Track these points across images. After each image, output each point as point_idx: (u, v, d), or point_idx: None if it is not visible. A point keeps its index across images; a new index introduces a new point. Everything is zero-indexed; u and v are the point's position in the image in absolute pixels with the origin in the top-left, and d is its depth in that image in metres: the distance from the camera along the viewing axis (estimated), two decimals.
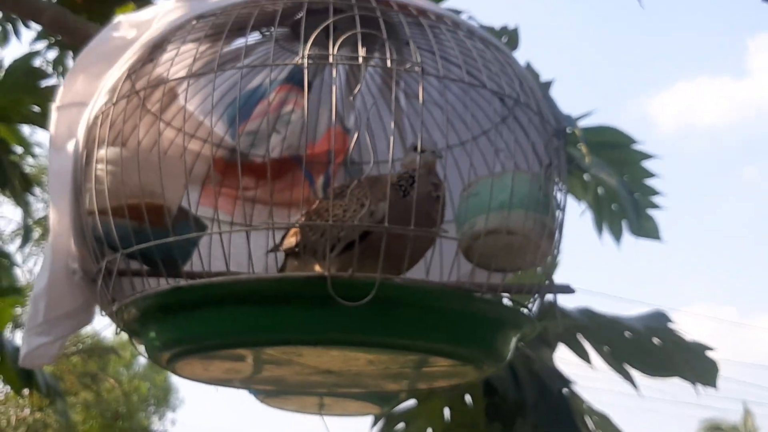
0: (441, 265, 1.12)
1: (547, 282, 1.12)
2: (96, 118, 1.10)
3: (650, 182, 2.31)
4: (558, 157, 1.14)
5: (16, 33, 3.04)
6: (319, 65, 1.39)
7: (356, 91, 1.07)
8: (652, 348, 1.99)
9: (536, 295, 1.12)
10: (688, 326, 2.00)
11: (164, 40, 1.12)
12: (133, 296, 1.03)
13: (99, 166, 1.08)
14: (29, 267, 9.18)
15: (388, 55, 0.98)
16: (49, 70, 2.74)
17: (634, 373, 2.00)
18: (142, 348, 1.13)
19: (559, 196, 1.14)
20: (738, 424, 17.09)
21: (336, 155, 1.49)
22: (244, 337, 0.98)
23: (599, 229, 2.35)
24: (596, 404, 2.02)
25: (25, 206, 2.96)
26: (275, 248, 1.14)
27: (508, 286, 1.08)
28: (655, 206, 2.31)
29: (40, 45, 2.78)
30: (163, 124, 1.29)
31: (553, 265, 1.14)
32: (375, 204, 1.04)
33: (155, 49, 1.14)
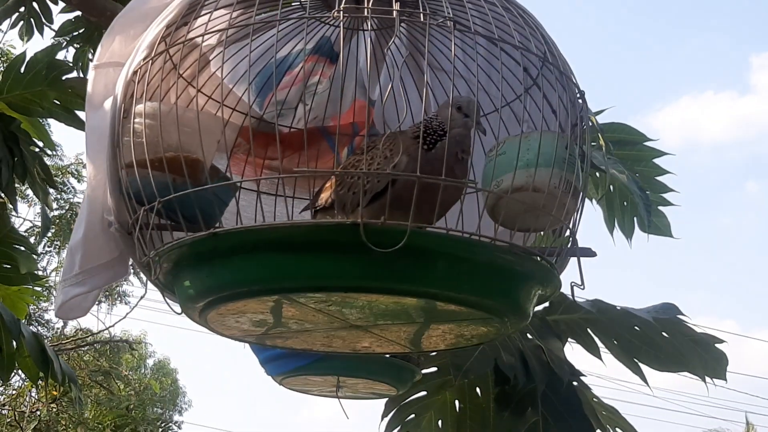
0: (463, 221, 1.14)
1: (570, 244, 1.15)
2: (134, 74, 1.14)
3: (662, 179, 2.33)
4: (582, 119, 1.16)
5: (39, 28, 3.08)
6: (346, 34, 1.43)
7: (390, 44, 1.10)
8: (661, 342, 2.00)
9: (557, 253, 1.14)
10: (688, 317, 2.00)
11: (199, 2, 1.14)
12: (170, 244, 1.06)
13: (137, 119, 1.11)
14: (43, 265, 9.23)
15: (421, 8, 1.01)
16: (70, 64, 2.77)
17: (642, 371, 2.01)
18: (175, 305, 1.16)
19: (582, 156, 1.17)
20: None
21: (360, 128, 1.52)
22: (277, 283, 1.01)
23: (611, 227, 2.37)
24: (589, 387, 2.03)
25: (44, 197, 2.99)
26: (309, 206, 1.17)
27: (531, 247, 1.11)
28: (666, 203, 2.33)
29: (63, 39, 2.81)
30: (193, 90, 1.32)
31: (577, 224, 1.16)
32: (398, 155, 1.07)
33: (190, 10, 1.17)
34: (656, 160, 2.35)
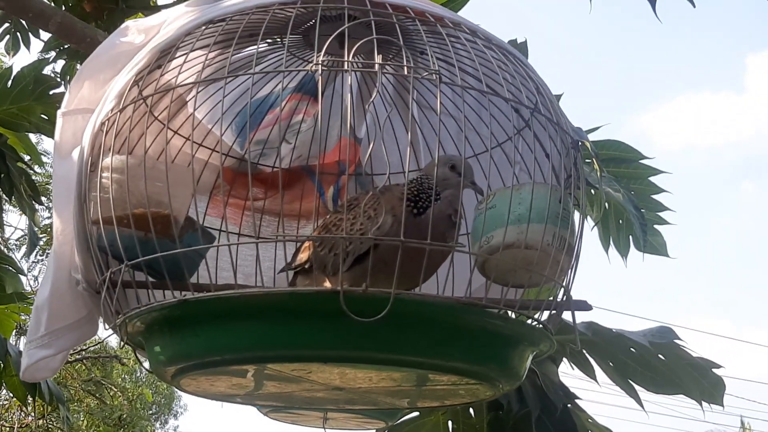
0: (453, 280, 1.08)
1: (564, 298, 1.09)
2: (102, 124, 1.07)
3: (658, 197, 2.28)
4: (577, 170, 1.10)
5: (26, 42, 3.03)
6: (331, 73, 1.37)
7: (372, 98, 1.03)
8: (657, 364, 1.95)
9: (553, 312, 1.08)
10: (685, 341, 1.96)
11: (173, 45, 1.08)
12: (138, 309, 0.99)
13: (104, 174, 1.05)
14: (34, 274, 9.17)
15: (404, 61, 0.95)
16: (58, 79, 2.72)
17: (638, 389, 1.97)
18: (146, 361, 1.10)
19: (577, 210, 1.11)
20: None
21: (346, 166, 1.46)
22: (252, 353, 0.95)
23: (606, 245, 2.32)
24: (594, 417, 1.98)
25: (31, 214, 2.93)
26: (287, 267, 1.10)
27: (525, 302, 1.05)
28: (662, 222, 2.29)
29: (50, 53, 2.76)
30: (170, 132, 1.26)
31: (571, 281, 1.10)
32: (381, 215, 1.00)
33: (163, 54, 1.11)
34: (652, 179, 2.31)
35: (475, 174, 1.28)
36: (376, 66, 0.93)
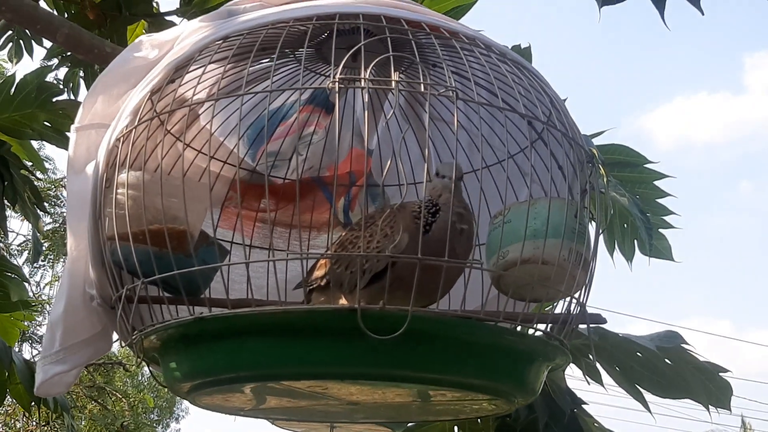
0: (465, 295, 1.08)
1: (579, 312, 1.08)
2: (117, 140, 1.07)
3: (663, 201, 2.28)
4: (592, 185, 1.10)
5: (29, 50, 3.03)
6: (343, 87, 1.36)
7: (388, 118, 1.02)
8: (664, 368, 1.94)
9: (569, 325, 1.08)
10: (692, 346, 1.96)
11: (188, 61, 1.08)
12: (153, 326, 0.99)
13: (119, 190, 1.05)
14: (36, 280, 9.16)
15: (421, 78, 0.95)
16: (60, 86, 2.72)
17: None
18: (160, 376, 1.10)
19: (592, 224, 1.11)
20: None
21: (357, 177, 1.46)
22: (269, 370, 0.95)
23: (611, 249, 2.32)
24: (600, 420, 1.98)
25: (35, 221, 2.93)
26: (303, 283, 1.10)
27: (542, 316, 1.04)
28: (667, 226, 2.28)
29: (53, 60, 2.76)
30: (182, 145, 1.26)
31: (587, 296, 1.10)
32: (398, 234, 1.00)
33: (178, 70, 1.11)
34: (657, 182, 2.31)
35: (486, 188, 1.28)
36: (393, 84, 0.93)
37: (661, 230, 2.29)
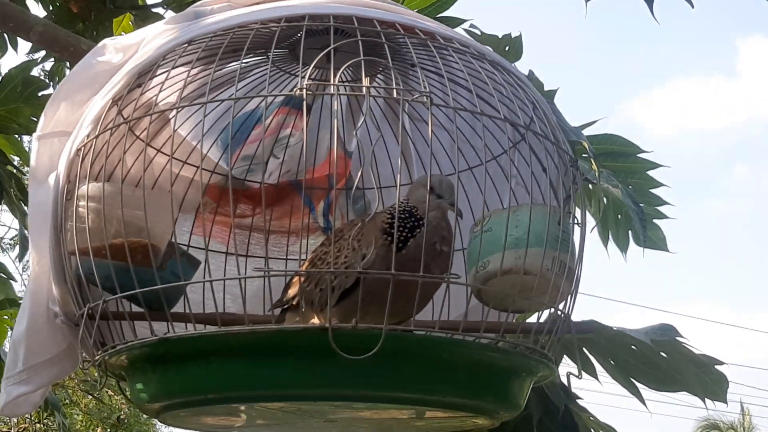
0: (443, 310, 1.03)
1: (564, 322, 1.04)
2: (78, 150, 1.02)
3: (656, 191, 2.24)
4: (575, 189, 1.06)
5: (13, 44, 2.97)
6: (319, 86, 1.31)
7: (359, 124, 0.96)
8: (659, 362, 1.91)
9: (554, 335, 1.03)
10: (683, 329, 1.93)
11: (151, 66, 1.03)
12: (117, 347, 0.95)
13: (81, 203, 1.00)
14: (29, 274, 9.08)
15: (394, 83, 0.90)
16: (47, 80, 2.67)
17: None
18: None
19: (577, 228, 1.06)
20: (735, 423, 16.97)
21: (337, 180, 1.41)
22: (238, 392, 0.90)
23: (605, 240, 2.28)
24: (587, 403, 1.95)
25: (21, 218, 2.89)
26: (277, 304, 1.05)
27: (525, 327, 1.00)
28: (661, 216, 2.24)
29: (38, 54, 2.71)
30: (152, 151, 1.21)
31: (572, 305, 1.05)
32: (367, 247, 0.95)
33: (142, 75, 1.06)
34: (650, 172, 2.26)
35: (469, 189, 1.23)
36: (364, 90, 0.88)
37: (655, 220, 2.26)
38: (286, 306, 1.05)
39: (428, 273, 0.89)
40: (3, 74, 2.37)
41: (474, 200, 1.21)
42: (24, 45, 2.97)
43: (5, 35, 3.00)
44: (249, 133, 1.36)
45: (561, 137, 1.06)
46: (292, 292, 1.03)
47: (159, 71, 1.08)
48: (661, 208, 2.27)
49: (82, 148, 1.02)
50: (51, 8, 2.50)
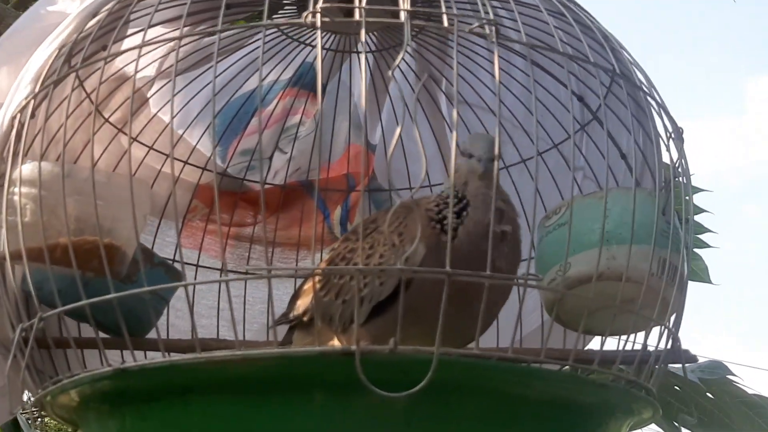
0: (520, 323, 0.76)
1: (672, 346, 0.78)
2: (13, 118, 0.76)
3: (698, 218, 2.07)
4: (683, 167, 0.80)
5: None
6: (336, 58, 1.07)
7: (397, 62, 0.68)
8: (706, 403, 1.81)
9: (656, 366, 0.77)
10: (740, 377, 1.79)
11: (104, 6, 0.78)
12: (60, 381, 0.68)
13: (14, 188, 0.74)
14: None
15: (443, 7, 0.64)
16: None
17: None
18: None
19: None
20: None
21: (357, 180, 1.20)
22: None
23: None
24: None
25: None
26: (281, 320, 0.79)
27: (627, 355, 0.74)
28: (703, 245, 2.07)
29: None
30: (126, 139, 0.97)
31: (678, 325, 0.79)
32: (410, 243, 0.69)
33: (107, 24, 0.80)
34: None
35: (522, 187, 0.98)
36: (402, 14, 0.62)
37: (696, 250, 2.09)
38: (293, 323, 0.78)
39: (492, 268, 0.62)
40: None
41: (528, 200, 0.95)
42: None
43: None
44: (248, 121, 1.13)
45: (654, 88, 0.80)
46: (302, 304, 0.76)
47: (129, 31, 0.83)
48: (703, 237, 2.11)
49: (19, 115, 0.76)
50: None
